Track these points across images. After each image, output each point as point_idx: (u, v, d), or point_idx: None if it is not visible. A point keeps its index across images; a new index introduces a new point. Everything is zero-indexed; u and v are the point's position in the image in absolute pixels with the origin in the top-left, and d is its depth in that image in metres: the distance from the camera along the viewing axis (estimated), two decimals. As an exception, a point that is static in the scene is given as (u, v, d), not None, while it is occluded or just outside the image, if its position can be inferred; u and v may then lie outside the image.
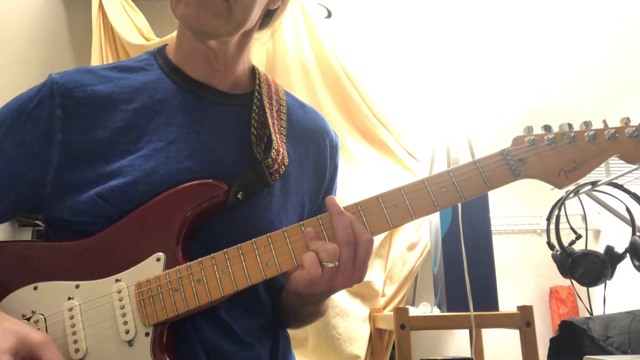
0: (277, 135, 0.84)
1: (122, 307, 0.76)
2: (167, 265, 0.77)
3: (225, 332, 0.80)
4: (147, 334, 0.75)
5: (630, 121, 0.80)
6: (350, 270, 0.72)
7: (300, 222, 0.76)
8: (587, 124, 0.80)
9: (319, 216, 0.76)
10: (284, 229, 0.76)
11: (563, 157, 0.78)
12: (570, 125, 0.80)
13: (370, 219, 0.76)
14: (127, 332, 0.75)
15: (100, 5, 2.27)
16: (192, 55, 0.85)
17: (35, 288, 0.77)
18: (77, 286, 0.77)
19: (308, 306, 0.85)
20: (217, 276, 0.75)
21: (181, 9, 0.77)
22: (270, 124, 0.84)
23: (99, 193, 0.76)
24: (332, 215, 0.73)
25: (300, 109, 0.95)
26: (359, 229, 0.73)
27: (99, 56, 2.21)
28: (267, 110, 0.85)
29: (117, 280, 0.77)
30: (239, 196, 0.79)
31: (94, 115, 0.79)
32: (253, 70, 0.91)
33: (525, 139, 0.79)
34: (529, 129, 0.81)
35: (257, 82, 0.88)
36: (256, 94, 0.86)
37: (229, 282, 0.75)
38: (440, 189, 0.76)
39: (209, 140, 0.82)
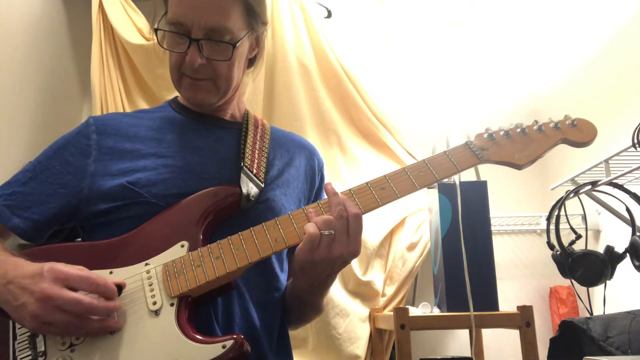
0: (257, 152, 1.04)
1: (150, 283, 0.87)
2: (191, 250, 0.89)
3: (239, 306, 0.94)
4: (172, 305, 0.86)
5: (571, 117, 1.01)
6: (345, 241, 0.86)
7: (303, 207, 0.91)
8: (536, 121, 1.01)
9: (318, 201, 0.92)
10: (289, 213, 0.91)
11: (517, 144, 0.98)
12: (522, 124, 1.00)
13: (361, 200, 0.91)
14: (155, 303, 0.86)
15: (100, 5, 2.27)
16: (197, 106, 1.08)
17: None
18: (111, 272, 0.89)
19: (312, 292, 0.99)
20: (233, 252, 0.88)
21: (182, 91, 1.03)
22: (251, 142, 1.05)
23: (128, 181, 0.94)
24: (328, 196, 0.89)
25: (287, 133, 1.19)
26: (349, 206, 0.88)
27: (99, 56, 2.21)
28: (251, 133, 1.07)
29: (146, 264, 0.89)
30: (251, 198, 0.96)
31: (121, 134, 1.01)
32: (246, 111, 1.15)
33: (485, 135, 0.99)
34: (488, 129, 1.00)
35: (246, 116, 1.12)
36: (244, 122, 1.10)
37: (243, 256, 0.87)
38: (418, 174, 0.94)
39: (215, 148, 1.03)
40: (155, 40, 1.00)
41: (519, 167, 0.97)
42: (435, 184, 1.95)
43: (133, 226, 0.93)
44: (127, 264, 0.90)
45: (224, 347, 0.81)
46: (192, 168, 0.98)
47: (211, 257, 0.88)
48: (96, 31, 2.24)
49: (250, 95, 2.21)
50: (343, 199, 0.88)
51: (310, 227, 0.85)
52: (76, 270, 0.83)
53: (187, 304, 0.86)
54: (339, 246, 0.85)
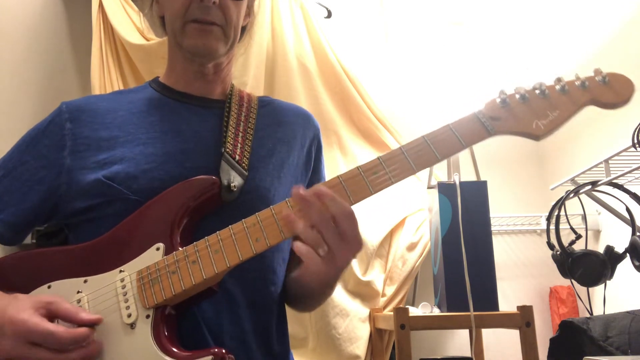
0: (241, 134, 0.96)
1: (125, 294, 0.81)
2: (167, 254, 0.82)
3: (228, 311, 0.87)
4: (147, 317, 0.79)
5: (602, 71, 0.82)
6: (343, 246, 0.76)
7: (287, 199, 0.81)
8: (559, 79, 0.83)
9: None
10: (271, 207, 0.81)
11: (536, 110, 0.81)
12: (541, 83, 0.83)
13: (352, 189, 0.79)
14: (129, 315, 0.80)
15: (100, 5, 2.26)
16: (185, 75, 0.99)
17: (49, 287, 0.84)
18: (86, 281, 0.84)
19: (321, 292, 0.93)
20: (211, 255, 0.80)
21: (187, 40, 0.93)
22: (234, 124, 0.96)
23: (105, 175, 0.87)
24: (299, 204, 0.77)
25: (277, 103, 1.08)
26: (335, 205, 0.76)
27: (99, 56, 2.21)
28: (234, 114, 0.98)
29: (120, 271, 0.83)
30: (232, 188, 0.87)
31: (97, 122, 0.93)
32: (232, 86, 1.06)
33: (498, 100, 0.83)
34: (502, 92, 0.83)
35: (230, 92, 1.03)
36: (227, 101, 1.01)
37: (221, 259, 0.79)
38: (416, 153, 0.80)
39: (197, 132, 0.95)
40: None
41: (536, 137, 0.81)
42: (436, 179, 1.96)
43: (115, 224, 0.86)
44: (102, 271, 0.84)
45: None
46: (174, 156, 0.90)
47: (187, 261, 0.80)
48: (96, 31, 2.23)
49: (250, 95, 2.21)
50: (329, 199, 0.75)
51: (304, 253, 0.76)
52: (37, 324, 0.74)
53: (164, 314, 0.80)
54: (339, 255, 0.76)
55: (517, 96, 0.83)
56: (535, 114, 0.81)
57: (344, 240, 0.76)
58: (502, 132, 0.82)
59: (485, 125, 0.81)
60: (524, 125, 0.81)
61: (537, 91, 0.82)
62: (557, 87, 0.82)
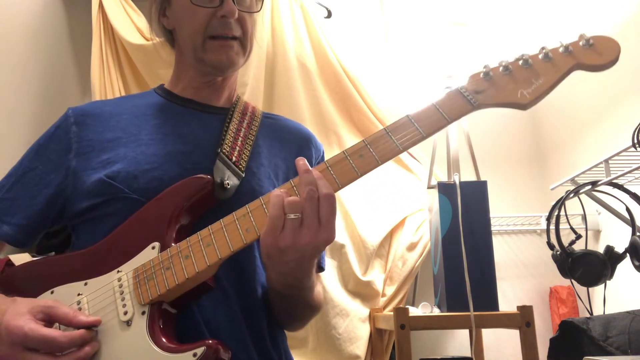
0: (240, 139, 0.97)
1: (122, 292, 0.83)
2: (162, 251, 0.84)
3: (226, 309, 0.88)
4: (143, 313, 0.81)
5: (586, 35, 0.81)
6: (314, 226, 0.75)
7: (275, 188, 0.81)
8: (543, 47, 0.82)
9: (291, 179, 0.80)
10: (261, 197, 0.81)
11: (519, 79, 0.80)
12: (524, 54, 0.82)
13: (338, 173, 0.79)
14: (125, 313, 0.81)
15: (100, 6, 2.27)
16: (193, 84, 1.02)
17: (52, 292, 0.87)
18: (86, 284, 0.86)
19: (286, 284, 0.86)
20: (203, 249, 0.80)
21: (210, 56, 0.96)
22: (234, 129, 0.99)
23: (107, 175, 0.89)
24: (299, 173, 0.77)
25: (282, 120, 1.11)
26: (321, 186, 0.76)
27: (99, 56, 2.21)
28: (235, 120, 1.01)
29: (118, 271, 0.85)
30: (225, 185, 0.88)
31: (101, 125, 0.97)
32: (237, 96, 1.09)
33: (481, 75, 0.82)
34: (485, 66, 0.82)
35: (236, 101, 1.06)
36: (231, 108, 1.04)
37: (213, 251, 0.79)
38: (401, 132, 0.81)
39: (199, 135, 0.97)
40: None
41: (523, 106, 0.80)
42: (432, 182, 1.96)
43: (115, 223, 0.88)
44: (102, 273, 0.86)
45: (194, 355, 0.75)
46: (174, 158, 0.92)
47: (180, 256, 0.81)
48: (96, 31, 2.24)
49: (250, 96, 2.21)
50: (316, 177, 0.76)
51: (274, 209, 0.75)
52: (33, 329, 0.75)
53: (160, 310, 0.81)
54: (307, 232, 0.74)
55: (500, 68, 0.82)
56: (519, 83, 0.80)
57: (319, 220, 0.75)
58: (487, 104, 0.81)
59: (469, 99, 0.80)
60: (508, 95, 0.80)
61: (521, 61, 0.81)
62: (540, 55, 0.81)
